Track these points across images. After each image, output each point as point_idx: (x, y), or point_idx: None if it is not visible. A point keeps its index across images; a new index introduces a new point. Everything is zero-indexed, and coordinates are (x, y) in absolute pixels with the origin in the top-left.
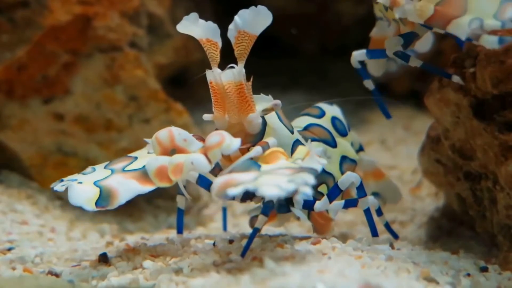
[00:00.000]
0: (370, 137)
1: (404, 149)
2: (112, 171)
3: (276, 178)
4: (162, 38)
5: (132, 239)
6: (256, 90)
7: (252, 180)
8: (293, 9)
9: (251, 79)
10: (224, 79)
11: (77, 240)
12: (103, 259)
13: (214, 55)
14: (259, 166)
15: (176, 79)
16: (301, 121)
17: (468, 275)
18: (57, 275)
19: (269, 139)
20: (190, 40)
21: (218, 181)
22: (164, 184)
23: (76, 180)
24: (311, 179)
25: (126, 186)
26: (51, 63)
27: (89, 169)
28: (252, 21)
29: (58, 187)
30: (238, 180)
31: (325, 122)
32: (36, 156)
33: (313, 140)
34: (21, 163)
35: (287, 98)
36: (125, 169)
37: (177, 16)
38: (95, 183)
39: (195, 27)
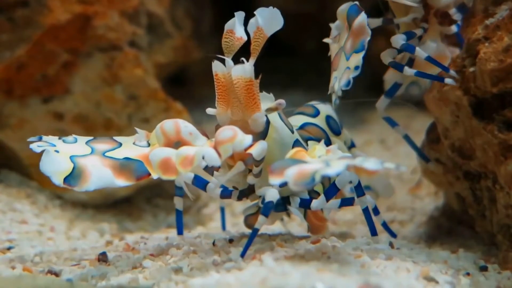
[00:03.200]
0: (370, 137)
1: (403, 149)
2: (92, 150)
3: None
4: (162, 38)
5: (132, 238)
6: None
7: (325, 166)
8: (293, 8)
9: (260, 77)
10: (234, 73)
11: (77, 239)
12: (103, 258)
13: (232, 45)
14: (302, 161)
15: (175, 78)
16: (297, 120)
17: (468, 274)
18: (56, 274)
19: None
20: (189, 39)
21: (289, 174)
22: (168, 177)
23: (54, 146)
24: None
25: (100, 173)
26: (50, 62)
27: (70, 137)
28: (269, 21)
29: (35, 146)
30: (311, 168)
31: (320, 121)
32: (36, 155)
33: (309, 139)
34: (20, 162)
35: (287, 97)
36: (106, 154)
37: (177, 16)
38: (71, 157)
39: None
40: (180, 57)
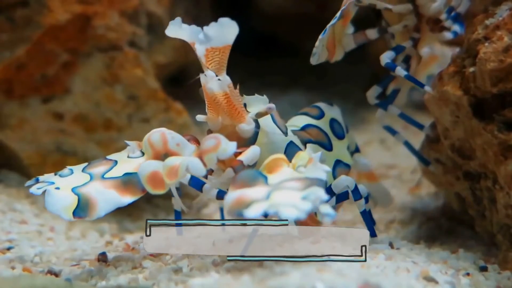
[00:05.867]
0: (370, 137)
1: (403, 149)
2: (91, 176)
3: (289, 195)
4: (162, 38)
5: (132, 239)
6: (256, 90)
7: (264, 197)
8: (292, 8)
9: (238, 86)
10: (208, 91)
11: (77, 239)
12: (103, 258)
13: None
14: (265, 177)
15: (175, 79)
16: (299, 121)
17: (468, 274)
18: (56, 274)
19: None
20: None
21: (230, 198)
22: (157, 191)
23: (53, 183)
24: (323, 194)
25: (105, 196)
26: (50, 62)
27: (66, 170)
28: (217, 35)
29: (34, 189)
30: (251, 197)
31: (323, 123)
32: (36, 155)
33: (308, 142)
34: (20, 162)
35: (287, 97)
36: (105, 176)
37: (177, 15)
38: (73, 190)
39: (182, 31)
40: (180, 57)
